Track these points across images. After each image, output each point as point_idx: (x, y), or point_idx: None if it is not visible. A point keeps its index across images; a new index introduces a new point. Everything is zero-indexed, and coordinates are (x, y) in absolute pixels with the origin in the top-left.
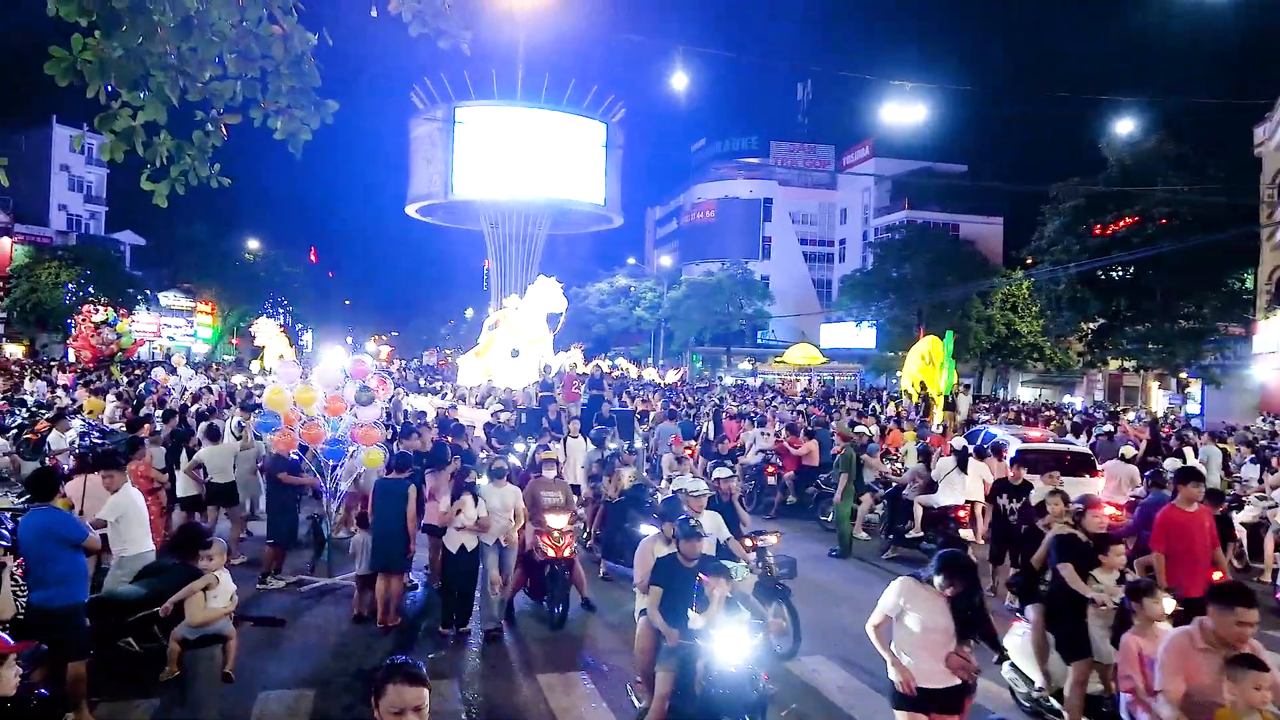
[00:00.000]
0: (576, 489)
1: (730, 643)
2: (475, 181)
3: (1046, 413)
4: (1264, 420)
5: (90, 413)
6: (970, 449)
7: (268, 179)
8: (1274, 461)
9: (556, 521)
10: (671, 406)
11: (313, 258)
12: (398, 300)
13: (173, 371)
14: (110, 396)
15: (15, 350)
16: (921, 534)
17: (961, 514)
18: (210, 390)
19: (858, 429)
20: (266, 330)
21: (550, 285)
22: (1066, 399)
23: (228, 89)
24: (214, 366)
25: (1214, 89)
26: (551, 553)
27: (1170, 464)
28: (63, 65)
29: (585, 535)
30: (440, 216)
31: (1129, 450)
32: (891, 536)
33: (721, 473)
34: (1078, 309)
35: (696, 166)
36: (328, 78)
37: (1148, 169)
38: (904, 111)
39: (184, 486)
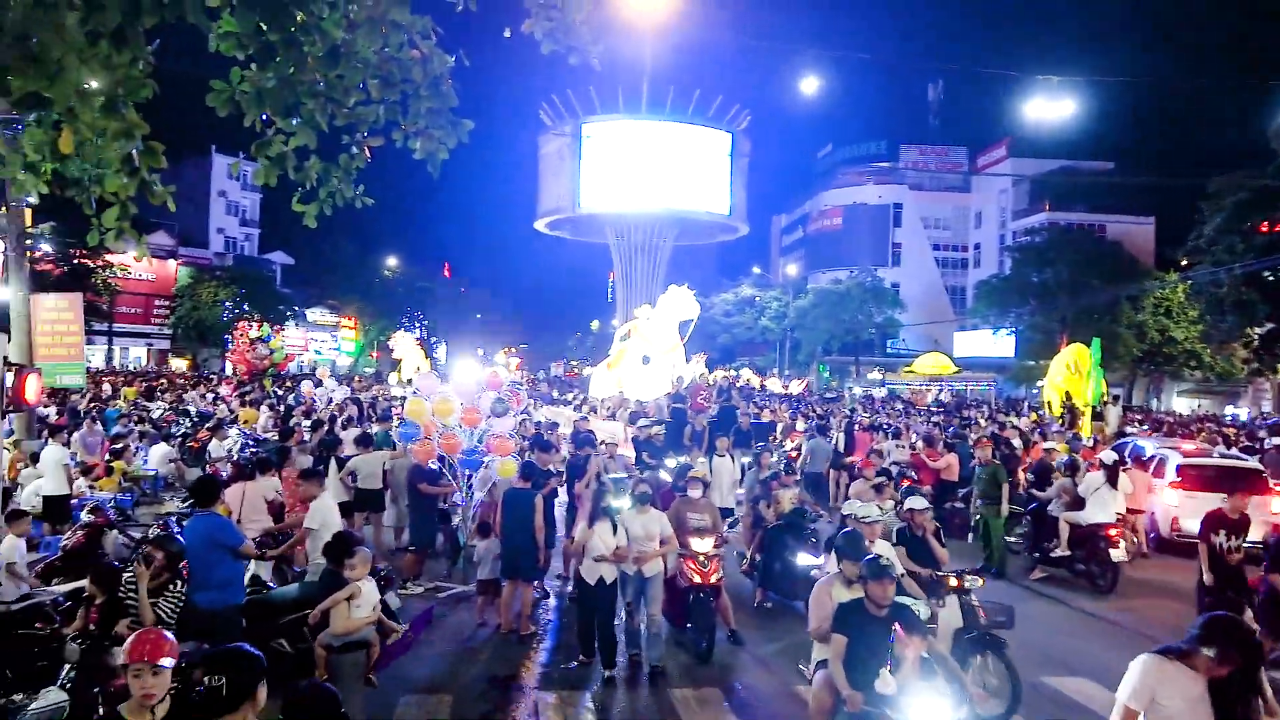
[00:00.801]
0: (726, 511)
1: (926, 715)
2: (602, 195)
3: (1198, 425)
4: None
5: (245, 423)
6: (1123, 463)
7: (405, 198)
8: None
9: (702, 545)
10: (819, 421)
11: (446, 273)
12: (526, 313)
13: (318, 384)
14: (264, 408)
15: (180, 364)
16: (1069, 553)
17: (1112, 532)
18: (354, 401)
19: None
20: (404, 343)
21: (682, 293)
22: (1229, 410)
23: (371, 113)
24: (356, 379)
25: None
26: (697, 579)
27: None
28: (223, 96)
29: (744, 562)
30: (568, 230)
31: None
32: (1037, 555)
33: (916, 503)
34: (1242, 312)
35: (823, 173)
36: (463, 98)
37: None
38: (1046, 107)
39: (333, 493)
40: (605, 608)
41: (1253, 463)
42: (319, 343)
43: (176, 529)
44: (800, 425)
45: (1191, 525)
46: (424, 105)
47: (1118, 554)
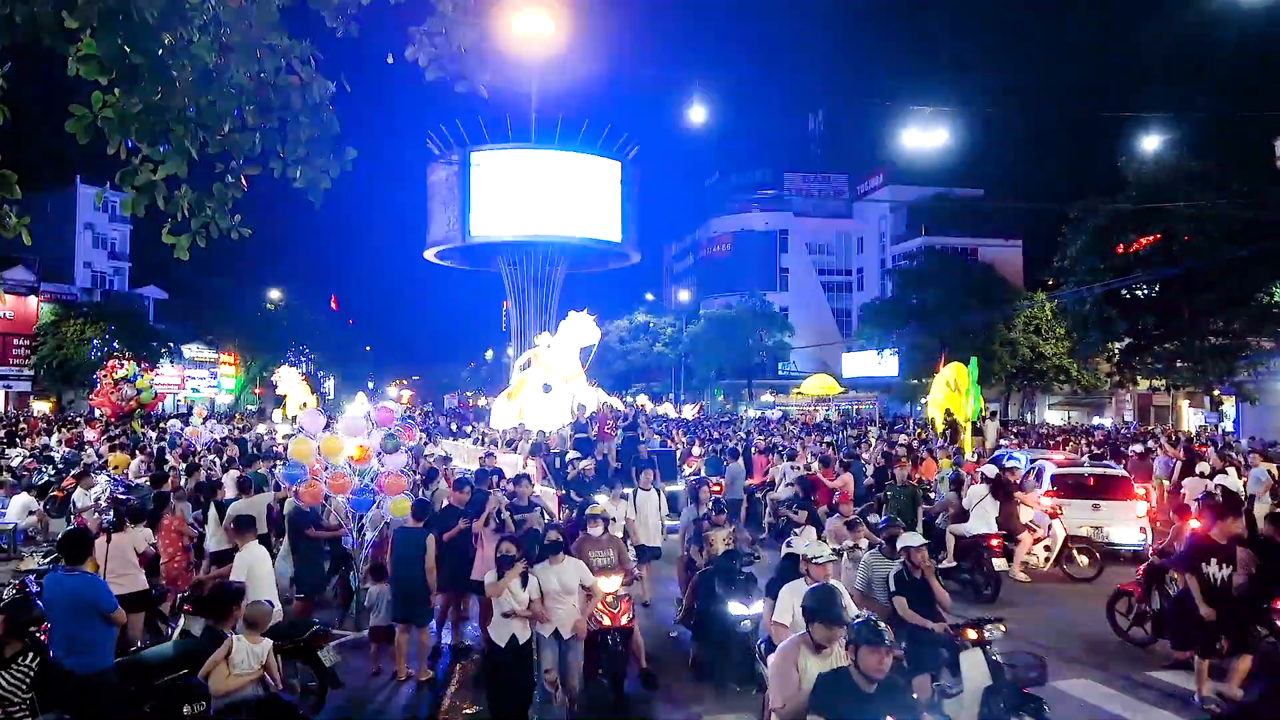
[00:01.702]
0: (654, 551)
1: None
2: (492, 223)
3: (1064, 436)
4: None
5: (115, 468)
6: (1007, 476)
7: (287, 229)
8: None
9: (608, 585)
10: (732, 445)
11: (333, 305)
12: (418, 344)
13: (186, 423)
14: (137, 452)
15: (43, 407)
16: (955, 564)
17: (994, 543)
18: (236, 441)
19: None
20: (288, 379)
21: (583, 318)
22: (1095, 420)
23: (247, 140)
24: (237, 417)
25: (1233, 103)
26: (606, 620)
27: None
28: (84, 123)
29: (679, 610)
30: (458, 260)
31: (1205, 466)
32: None
33: (912, 539)
34: (1104, 329)
35: (711, 201)
36: (346, 125)
37: (1169, 186)
38: (921, 136)
39: (215, 540)
40: (519, 675)
41: (1119, 470)
42: (197, 380)
43: (35, 588)
44: (696, 450)
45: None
46: (304, 133)
47: (1000, 563)
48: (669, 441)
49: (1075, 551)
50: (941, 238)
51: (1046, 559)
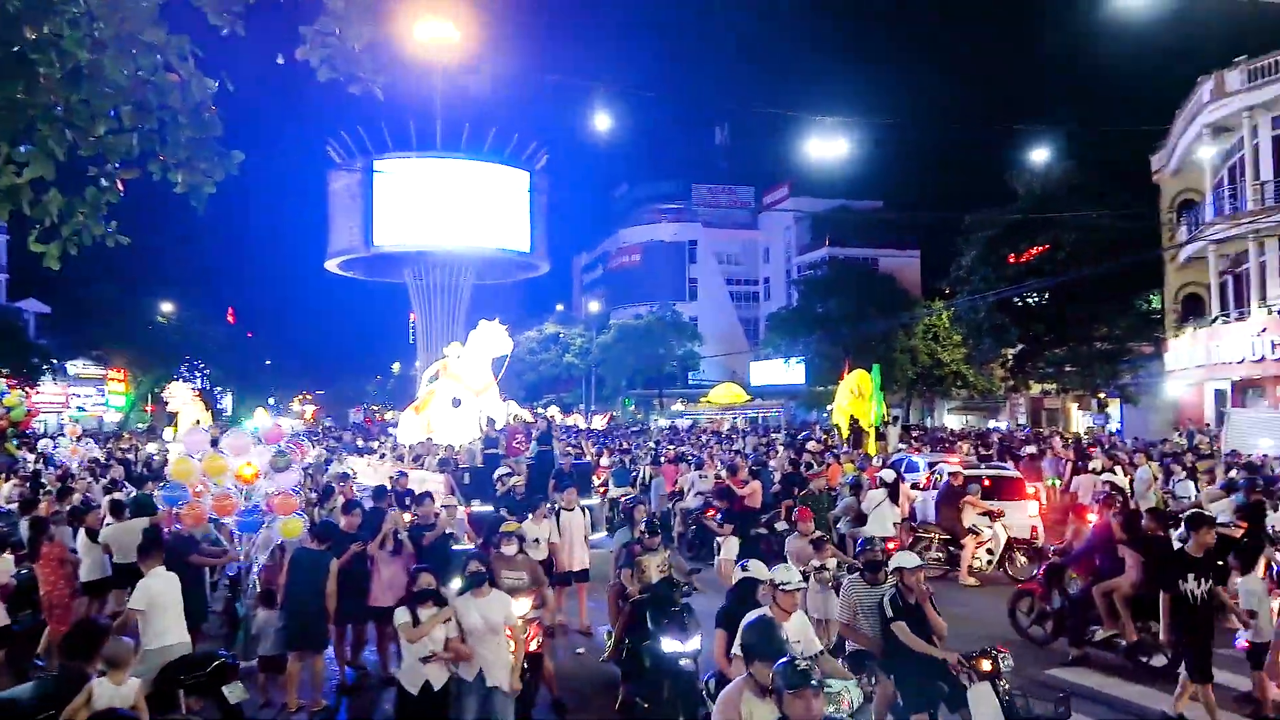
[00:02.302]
0: (581, 576)
1: None
2: (396, 233)
3: (959, 439)
4: (1180, 434)
5: None
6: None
7: (181, 238)
8: (1204, 479)
9: (518, 608)
10: (673, 452)
11: (230, 318)
12: (322, 358)
13: (55, 445)
14: (11, 475)
15: None
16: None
17: (891, 545)
18: (118, 462)
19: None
20: (180, 395)
21: (494, 328)
22: (991, 424)
23: (123, 142)
24: (125, 436)
25: (1115, 118)
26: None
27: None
28: None
29: (609, 645)
30: (362, 270)
31: (1097, 464)
32: None
33: (906, 560)
34: (998, 336)
35: (620, 212)
36: (243, 132)
37: (1056, 198)
38: (823, 146)
39: (88, 569)
40: None
41: (1012, 471)
42: (83, 398)
43: None
44: (605, 460)
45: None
46: (184, 134)
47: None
48: (579, 453)
49: (1017, 553)
50: (844, 249)
51: (989, 562)
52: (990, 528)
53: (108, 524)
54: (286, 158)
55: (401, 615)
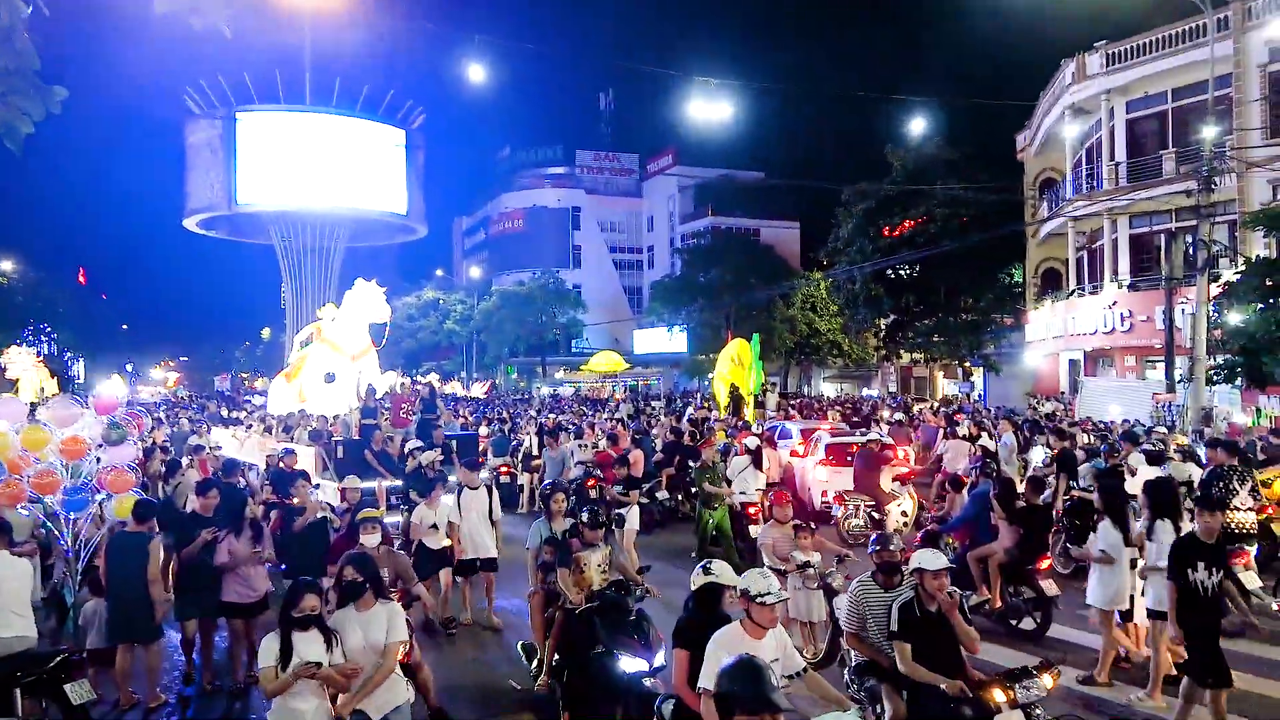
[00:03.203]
0: (490, 564)
1: None
2: (262, 191)
3: (828, 406)
4: (1037, 401)
5: None
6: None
7: (22, 190)
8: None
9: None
10: (552, 421)
11: (81, 279)
12: (186, 322)
13: None
14: None
15: None
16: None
17: (752, 510)
18: None
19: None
20: (20, 361)
21: (371, 289)
22: (865, 391)
23: None
24: None
25: (986, 97)
26: None
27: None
28: None
29: (538, 669)
30: (225, 230)
31: (963, 430)
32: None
33: (930, 560)
34: (872, 306)
35: (502, 176)
36: (95, 77)
37: (927, 172)
38: (707, 109)
39: None
40: None
41: (885, 438)
42: None
43: None
44: (484, 430)
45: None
46: None
47: (756, 529)
48: (464, 422)
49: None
50: (727, 218)
51: (905, 523)
52: (904, 492)
53: None
54: (144, 106)
55: (268, 651)
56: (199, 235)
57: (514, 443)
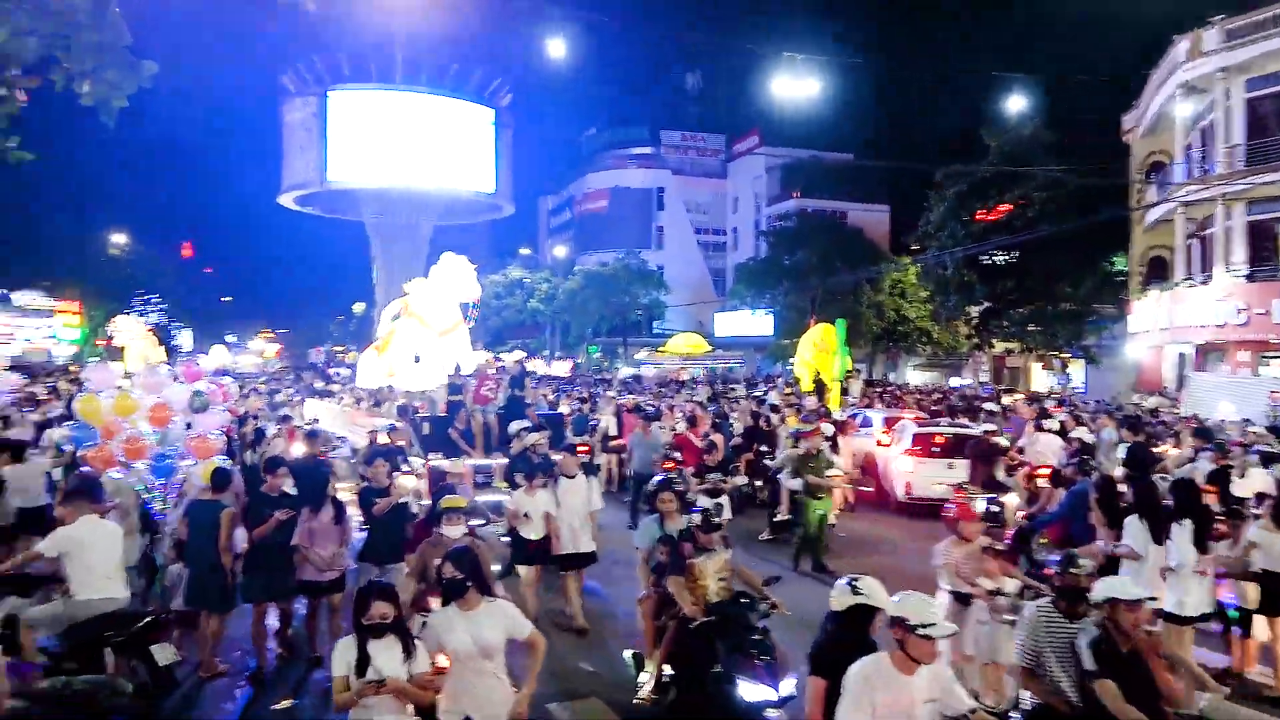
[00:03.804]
0: (584, 559)
1: None
2: (354, 169)
3: (913, 395)
4: (1140, 397)
5: None
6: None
7: (136, 169)
8: (1167, 442)
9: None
10: (631, 402)
11: (188, 252)
12: (285, 296)
13: None
14: None
15: None
16: (788, 517)
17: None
18: (51, 396)
19: None
20: (127, 329)
21: (460, 264)
22: (954, 381)
23: (22, 46)
24: (71, 369)
25: (1090, 74)
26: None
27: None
28: None
29: (644, 679)
30: (319, 206)
31: (1053, 423)
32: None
33: (1125, 589)
34: (964, 293)
35: (588, 155)
36: (200, 57)
37: (1026, 154)
38: (793, 86)
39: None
40: None
41: (977, 431)
42: (31, 330)
43: None
44: (564, 408)
45: (920, 488)
46: (86, 37)
47: (831, 515)
48: (551, 401)
49: None
50: (814, 200)
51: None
52: (1015, 485)
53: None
54: (246, 86)
55: (340, 660)
56: (299, 212)
57: (592, 422)
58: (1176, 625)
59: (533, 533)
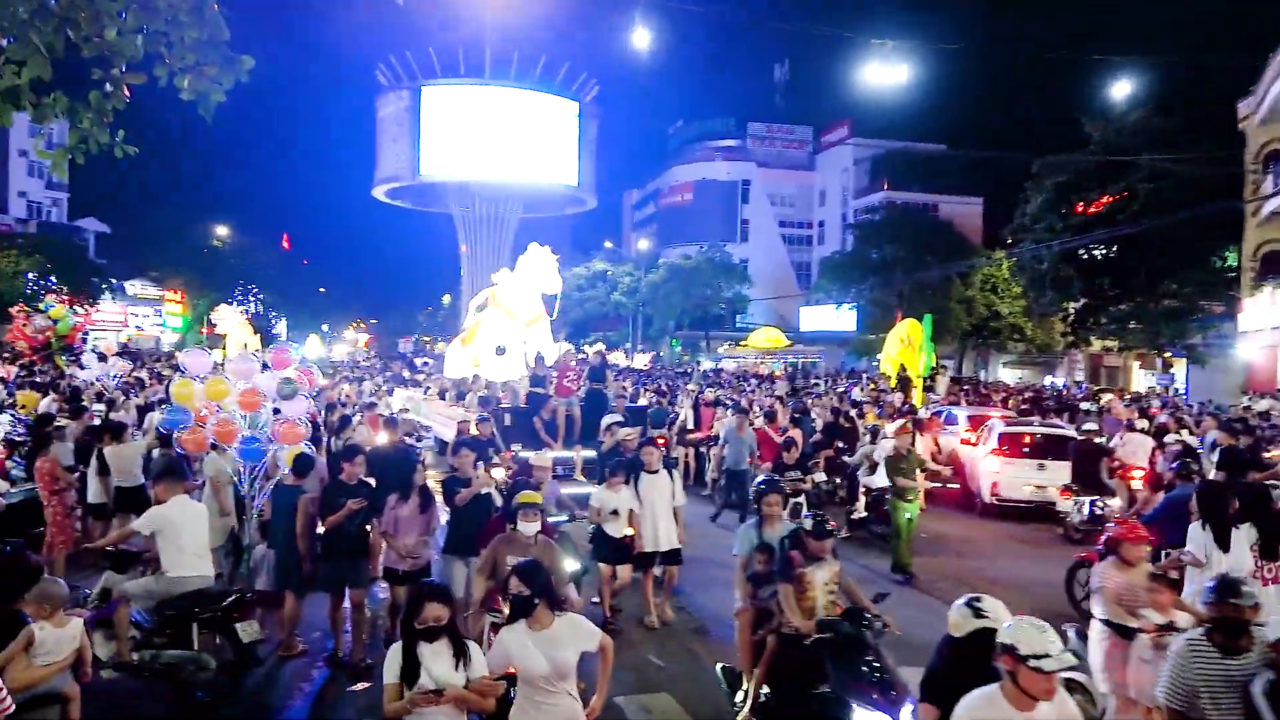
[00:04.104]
0: (673, 556)
1: None
2: (443, 162)
3: (1004, 393)
4: (1250, 399)
5: (23, 407)
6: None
7: (239, 164)
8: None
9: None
10: (711, 396)
11: (285, 244)
12: (376, 287)
13: (103, 359)
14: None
15: None
16: (864, 515)
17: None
18: (154, 380)
19: None
20: (228, 318)
21: (544, 255)
22: (1048, 380)
23: (128, 44)
24: (177, 355)
25: (1201, 60)
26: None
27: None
28: None
29: (740, 698)
30: (410, 199)
31: (1142, 423)
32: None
33: None
34: (1061, 288)
35: (674, 148)
36: (299, 55)
37: (1131, 144)
38: (884, 72)
39: (94, 492)
40: None
41: (1069, 430)
42: (141, 318)
43: None
44: (643, 400)
45: (1009, 490)
46: (187, 34)
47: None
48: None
49: None
50: (903, 192)
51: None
52: (1120, 488)
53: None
54: (345, 82)
55: (390, 667)
56: (390, 205)
57: (671, 415)
58: None
59: (616, 530)
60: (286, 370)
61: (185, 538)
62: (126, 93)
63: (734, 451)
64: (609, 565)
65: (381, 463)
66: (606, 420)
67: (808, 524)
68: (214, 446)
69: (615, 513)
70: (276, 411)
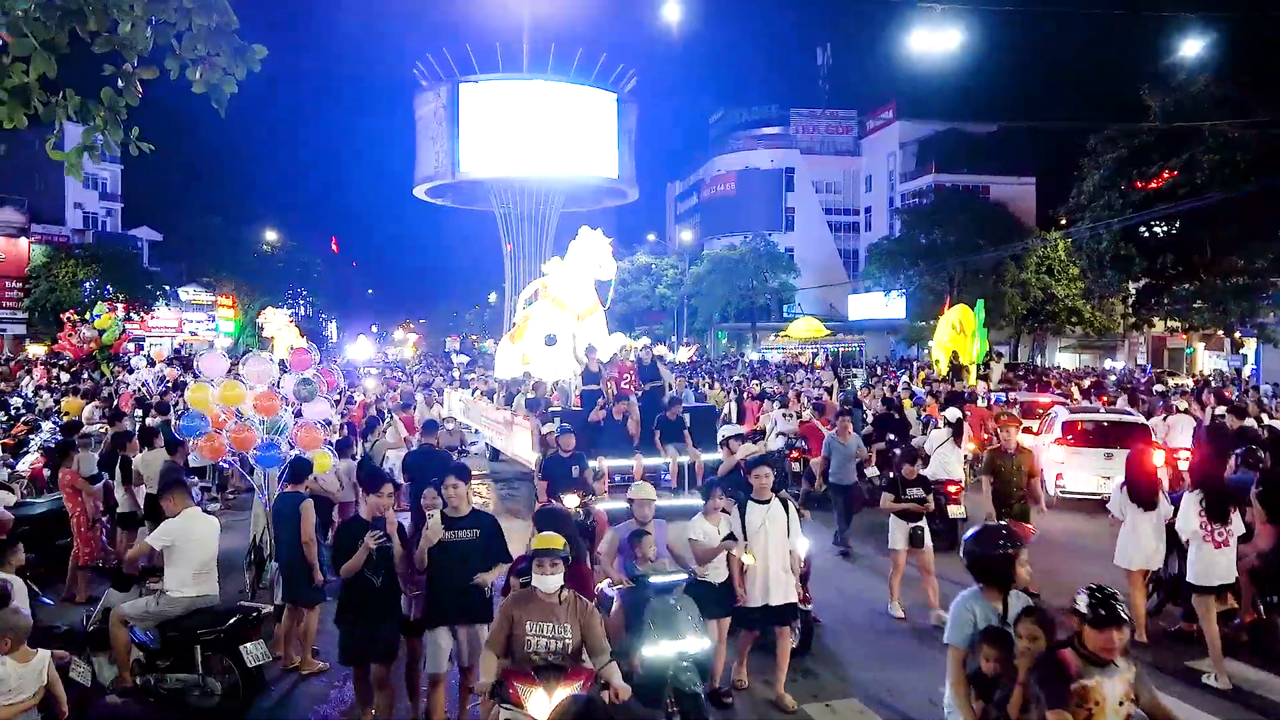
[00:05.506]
0: (785, 613)
1: None
2: (482, 159)
3: (1063, 379)
4: None
5: (66, 414)
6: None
7: (286, 169)
8: None
9: (537, 704)
10: (756, 389)
11: (334, 247)
12: (423, 287)
13: (151, 364)
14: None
15: (39, 350)
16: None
17: (952, 489)
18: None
19: None
20: (275, 321)
21: (596, 239)
22: (1108, 363)
23: (138, 37)
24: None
25: (1269, 18)
26: None
27: None
28: None
29: None
30: (451, 198)
31: (1182, 404)
32: None
33: None
34: (1121, 268)
35: (715, 138)
36: (337, 56)
37: (1195, 113)
38: (931, 39)
39: (123, 501)
40: None
41: (1137, 417)
42: (194, 323)
43: None
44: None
45: (1075, 482)
46: (195, 23)
47: (956, 510)
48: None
49: None
50: (952, 175)
51: None
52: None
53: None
54: (387, 82)
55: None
56: (433, 205)
57: (719, 410)
58: (1201, 594)
59: (719, 575)
60: (306, 371)
61: (194, 552)
62: (139, 89)
63: (838, 464)
64: (720, 627)
65: (423, 471)
66: (724, 432)
67: (1081, 603)
68: (231, 453)
69: (731, 537)
70: (298, 415)
